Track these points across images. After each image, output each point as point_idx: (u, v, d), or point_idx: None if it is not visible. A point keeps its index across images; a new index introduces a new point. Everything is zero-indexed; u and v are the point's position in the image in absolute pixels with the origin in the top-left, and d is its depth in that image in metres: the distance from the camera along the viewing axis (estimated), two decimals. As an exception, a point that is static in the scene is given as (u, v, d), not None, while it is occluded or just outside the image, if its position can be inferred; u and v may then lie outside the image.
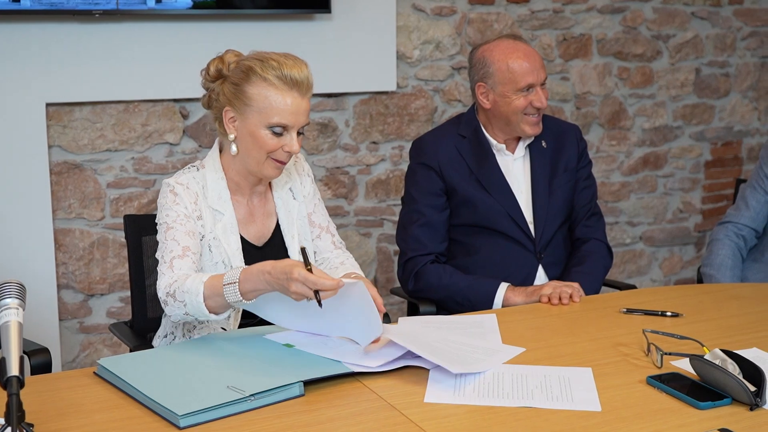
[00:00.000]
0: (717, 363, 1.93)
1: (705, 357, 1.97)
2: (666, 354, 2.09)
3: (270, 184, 2.48)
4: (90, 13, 3.43)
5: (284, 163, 2.34)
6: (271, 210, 2.48)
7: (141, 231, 2.69)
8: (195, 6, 3.57)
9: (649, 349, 2.16)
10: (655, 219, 4.82)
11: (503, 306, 2.75)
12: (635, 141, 4.69)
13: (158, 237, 2.33)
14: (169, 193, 2.33)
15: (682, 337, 2.22)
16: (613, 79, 4.57)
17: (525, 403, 1.89)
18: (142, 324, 2.69)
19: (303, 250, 2.09)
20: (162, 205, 2.34)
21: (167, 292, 2.19)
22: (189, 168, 2.41)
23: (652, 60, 4.65)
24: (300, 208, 2.50)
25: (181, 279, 2.18)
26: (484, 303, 2.77)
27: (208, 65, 2.36)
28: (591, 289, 2.84)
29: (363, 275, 2.48)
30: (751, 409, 1.86)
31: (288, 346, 2.14)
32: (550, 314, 2.54)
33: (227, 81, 2.32)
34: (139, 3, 3.48)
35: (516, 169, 2.97)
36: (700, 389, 1.93)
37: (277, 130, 2.28)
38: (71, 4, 3.39)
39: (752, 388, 1.87)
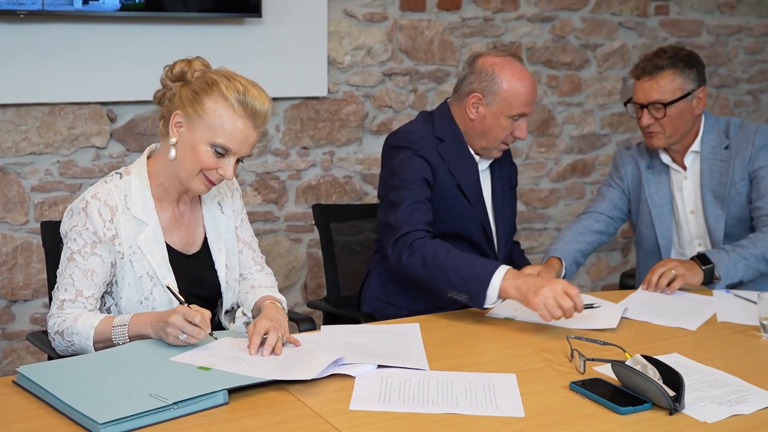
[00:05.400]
0: (638, 369, 1.97)
1: (626, 363, 2.01)
2: (588, 360, 2.12)
3: (199, 196, 2.46)
4: (14, 14, 3.36)
5: (214, 184, 2.32)
6: (200, 221, 2.46)
7: (60, 238, 2.60)
8: (123, 8, 3.51)
9: (572, 355, 2.19)
10: (582, 225, 4.87)
11: (500, 296, 2.50)
12: (564, 148, 4.75)
13: (61, 256, 2.33)
14: (81, 212, 2.28)
15: (604, 343, 2.25)
16: (542, 87, 4.63)
17: (449, 409, 1.91)
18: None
19: (169, 287, 2.28)
20: (71, 224, 2.29)
21: (56, 331, 2.26)
22: (112, 175, 2.36)
23: (580, 69, 4.72)
24: (228, 222, 2.49)
25: (70, 319, 2.25)
26: (478, 286, 2.51)
27: (174, 64, 2.33)
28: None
29: (279, 296, 2.46)
30: (671, 414, 1.89)
31: (203, 369, 2.03)
32: (476, 320, 2.56)
33: (187, 86, 2.29)
34: (65, 4, 3.41)
35: (484, 180, 2.94)
36: (621, 394, 1.97)
37: (220, 150, 2.26)
38: (-5, 4, 3.32)
39: (671, 393, 1.90)
